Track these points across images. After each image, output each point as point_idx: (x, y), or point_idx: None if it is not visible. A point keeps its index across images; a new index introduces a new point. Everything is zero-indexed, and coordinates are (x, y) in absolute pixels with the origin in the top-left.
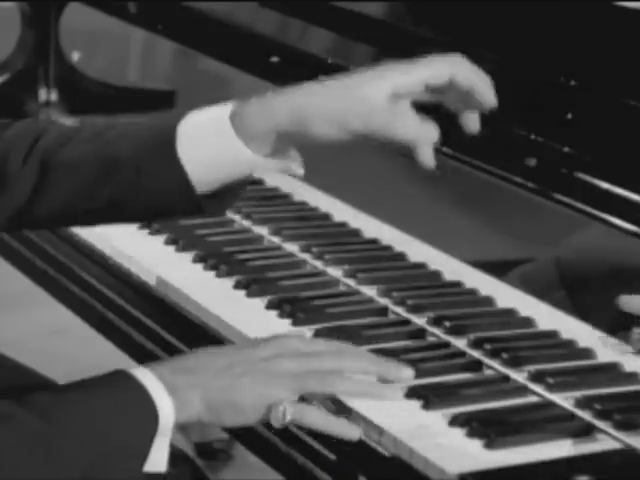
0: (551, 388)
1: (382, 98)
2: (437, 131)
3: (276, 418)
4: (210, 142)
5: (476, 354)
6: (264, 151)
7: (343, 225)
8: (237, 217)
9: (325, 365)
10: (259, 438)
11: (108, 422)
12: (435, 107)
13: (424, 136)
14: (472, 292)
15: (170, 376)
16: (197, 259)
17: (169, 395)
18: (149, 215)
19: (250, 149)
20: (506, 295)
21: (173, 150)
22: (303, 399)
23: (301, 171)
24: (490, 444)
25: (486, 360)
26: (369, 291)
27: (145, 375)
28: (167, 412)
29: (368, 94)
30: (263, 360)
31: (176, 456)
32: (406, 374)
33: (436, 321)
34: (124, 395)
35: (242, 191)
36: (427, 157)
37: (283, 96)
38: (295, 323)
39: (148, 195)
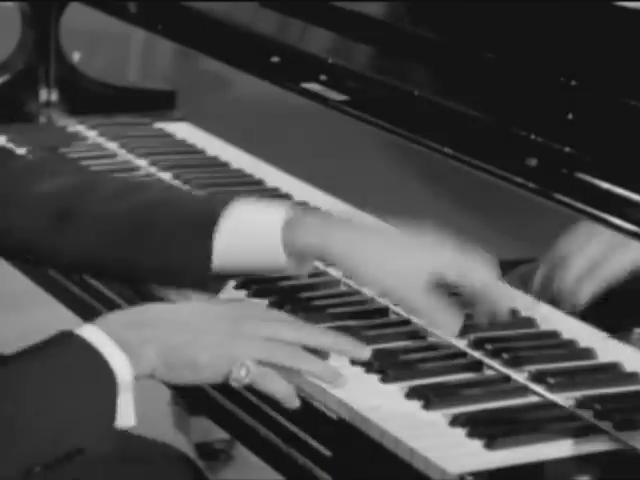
0: (552, 388)
1: (421, 280)
2: (458, 326)
3: (237, 377)
4: (252, 244)
5: (477, 354)
6: (297, 262)
7: None
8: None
9: (288, 336)
10: (260, 438)
11: (64, 390)
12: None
13: (444, 328)
14: None
15: (122, 331)
16: None
17: (122, 351)
18: (158, 281)
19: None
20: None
21: (211, 233)
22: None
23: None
24: (491, 444)
25: (487, 360)
26: (369, 291)
27: (93, 332)
28: (122, 368)
29: (412, 273)
30: (227, 319)
31: (177, 457)
32: (364, 354)
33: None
34: (75, 360)
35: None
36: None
37: (342, 226)
38: None
39: (167, 266)
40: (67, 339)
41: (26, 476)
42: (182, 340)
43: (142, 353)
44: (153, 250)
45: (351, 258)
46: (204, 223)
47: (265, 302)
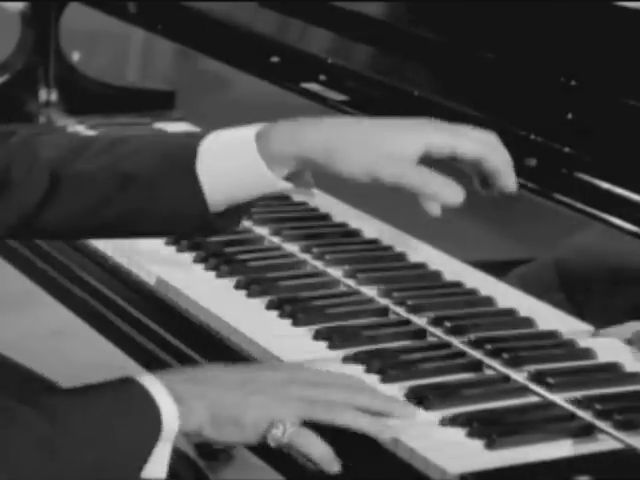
0: (551, 388)
1: (413, 155)
2: (462, 193)
3: (274, 436)
4: (231, 160)
5: (476, 354)
6: (283, 174)
7: (343, 225)
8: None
9: (334, 397)
10: None
11: (111, 426)
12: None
13: (449, 197)
14: (472, 292)
15: (179, 384)
16: (198, 259)
17: (175, 402)
18: (159, 231)
19: (272, 171)
20: (506, 295)
21: (192, 166)
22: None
23: (314, 194)
24: (490, 444)
25: (486, 360)
26: (369, 291)
27: (151, 381)
28: (171, 418)
29: (402, 147)
30: (275, 383)
31: (177, 457)
32: (411, 413)
33: (436, 321)
34: (128, 400)
35: (250, 210)
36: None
37: (315, 125)
38: (295, 323)
39: (161, 211)
40: (126, 382)
41: None
42: (231, 400)
43: (193, 408)
44: (142, 199)
45: (332, 152)
46: (185, 159)
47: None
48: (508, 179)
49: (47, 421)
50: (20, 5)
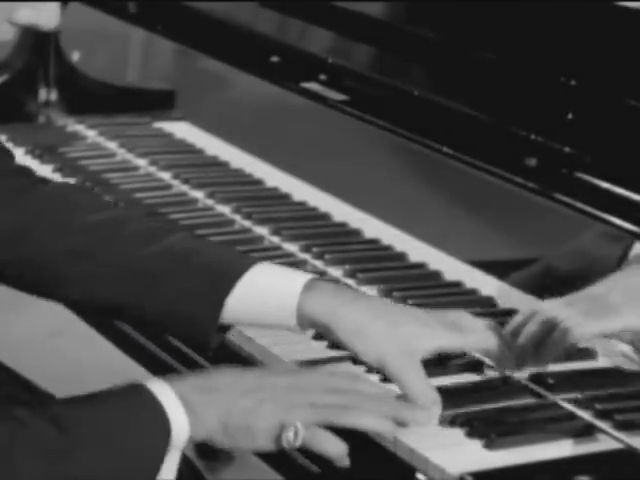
0: (552, 389)
1: (423, 354)
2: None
3: (287, 439)
4: (265, 307)
5: (477, 354)
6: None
7: (343, 225)
8: (237, 217)
9: (343, 402)
10: None
11: (122, 437)
12: None
13: (425, 398)
14: (472, 292)
15: (190, 393)
16: None
17: (185, 412)
18: (155, 326)
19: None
20: (506, 295)
21: (223, 298)
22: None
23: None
24: (490, 444)
25: (487, 360)
26: (370, 291)
27: (162, 390)
28: (181, 428)
29: (415, 349)
30: (285, 388)
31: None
32: (424, 419)
33: None
34: (138, 410)
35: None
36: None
37: (352, 304)
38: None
39: (171, 316)
40: (136, 389)
41: None
42: (242, 408)
43: (204, 416)
44: (165, 301)
45: (357, 336)
46: (219, 289)
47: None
48: (508, 363)
49: (58, 431)
50: (52, 24)
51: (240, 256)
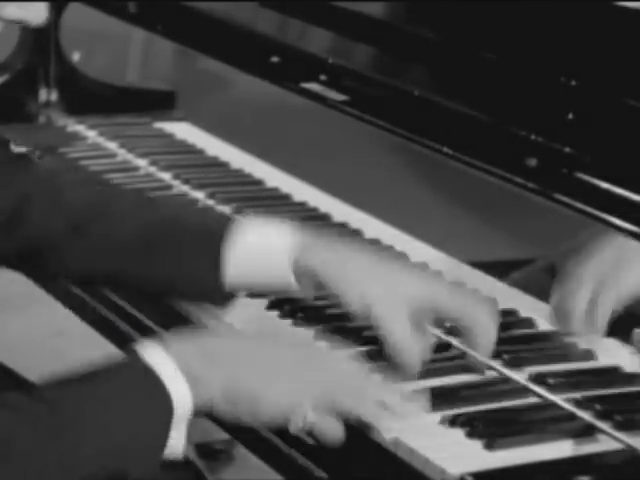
0: (552, 389)
1: (410, 305)
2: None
3: (295, 423)
4: (260, 265)
5: (477, 354)
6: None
7: (343, 225)
8: (237, 217)
9: (351, 384)
10: (260, 439)
11: (120, 416)
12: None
13: (405, 352)
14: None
15: (191, 359)
16: None
17: (186, 380)
18: (162, 292)
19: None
20: (506, 295)
21: (218, 254)
22: None
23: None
24: (490, 444)
25: (487, 361)
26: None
27: (160, 359)
28: (183, 398)
29: (405, 295)
30: (292, 362)
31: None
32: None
33: (436, 322)
34: (135, 387)
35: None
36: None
37: (347, 264)
38: (296, 324)
39: (173, 280)
40: (132, 363)
41: None
42: (247, 375)
43: (206, 382)
44: (164, 266)
45: (342, 282)
46: (213, 240)
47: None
48: (483, 345)
49: (52, 411)
50: (40, 20)
51: (227, 215)
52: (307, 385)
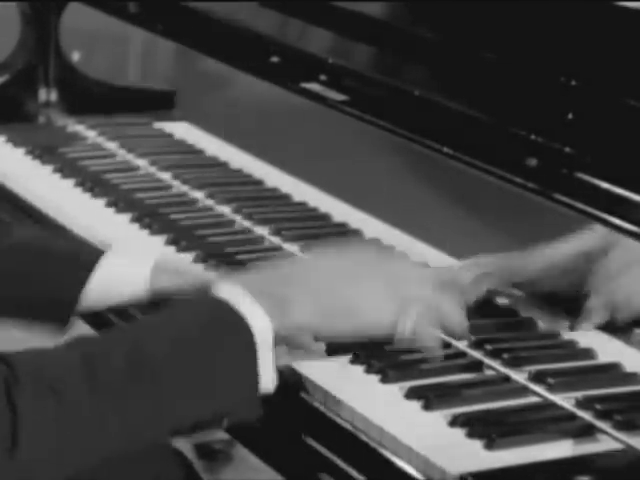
0: (552, 388)
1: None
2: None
3: (401, 330)
4: (118, 294)
5: (477, 354)
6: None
7: (343, 225)
8: (237, 217)
9: (426, 303)
10: (259, 438)
11: (205, 352)
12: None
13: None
14: None
15: (266, 286)
16: (198, 260)
17: (263, 311)
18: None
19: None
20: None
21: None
22: None
23: None
24: (490, 444)
25: (487, 360)
26: None
27: (233, 292)
28: (263, 328)
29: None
30: (380, 274)
31: (170, 453)
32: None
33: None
34: (215, 320)
35: None
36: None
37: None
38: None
39: (29, 300)
40: (206, 301)
41: (175, 433)
42: (338, 282)
43: (293, 303)
44: (30, 290)
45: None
46: (82, 265)
47: None
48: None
49: (141, 360)
50: None
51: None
52: (406, 296)
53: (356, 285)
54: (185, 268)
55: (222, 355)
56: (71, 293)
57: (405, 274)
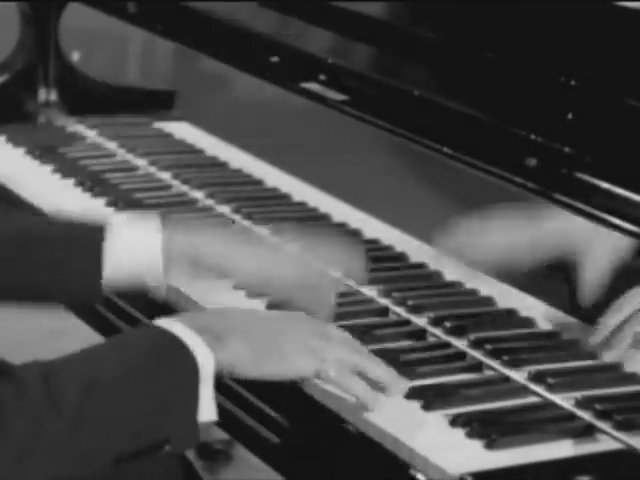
0: (551, 388)
1: None
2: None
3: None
4: (134, 262)
5: (476, 354)
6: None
7: (343, 225)
8: (237, 217)
9: (346, 358)
10: (259, 438)
11: (148, 379)
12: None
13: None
14: (472, 292)
15: (207, 322)
16: None
17: (205, 344)
18: (40, 298)
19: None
20: (506, 295)
21: (99, 264)
22: None
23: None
24: (490, 444)
25: (486, 360)
26: (369, 291)
27: (178, 326)
28: (205, 361)
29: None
30: (300, 330)
31: (173, 456)
32: (402, 388)
33: (436, 321)
34: (161, 350)
35: None
36: None
37: (227, 242)
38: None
39: (52, 283)
40: (153, 331)
41: (116, 463)
42: (269, 330)
43: (227, 340)
44: (39, 271)
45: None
46: (92, 243)
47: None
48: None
49: (86, 391)
50: None
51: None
52: (307, 352)
53: (285, 334)
54: (194, 226)
55: (168, 384)
56: (92, 270)
57: (329, 332)
